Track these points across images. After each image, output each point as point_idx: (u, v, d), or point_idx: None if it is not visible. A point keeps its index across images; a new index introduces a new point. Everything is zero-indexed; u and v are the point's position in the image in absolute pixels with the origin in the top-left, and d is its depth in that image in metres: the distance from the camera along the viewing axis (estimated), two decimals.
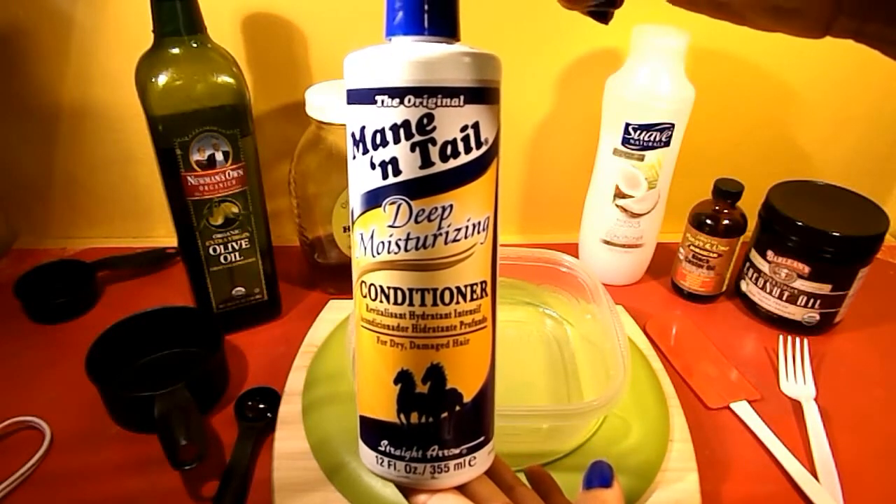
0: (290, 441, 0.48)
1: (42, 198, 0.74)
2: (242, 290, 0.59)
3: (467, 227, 0.25)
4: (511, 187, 0.77)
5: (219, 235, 0.55)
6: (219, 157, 0.52)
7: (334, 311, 0.62)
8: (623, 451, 0.47)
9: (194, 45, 0.49)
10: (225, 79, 0.50)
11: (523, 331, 0.59)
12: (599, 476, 0.29)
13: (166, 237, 0.75)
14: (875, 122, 0.76)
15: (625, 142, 0.62)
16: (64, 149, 0.70)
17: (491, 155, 0.25)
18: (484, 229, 0.25)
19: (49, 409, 0.51)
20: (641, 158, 0.62)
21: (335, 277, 0.67)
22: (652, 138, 0.61)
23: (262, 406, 0.52)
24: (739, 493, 0.47)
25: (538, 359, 0.56)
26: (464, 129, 0.24)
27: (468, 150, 0.24)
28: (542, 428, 0.46)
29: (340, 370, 0.52)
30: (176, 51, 0.48)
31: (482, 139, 0.24)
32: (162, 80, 0.48)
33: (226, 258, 0.57)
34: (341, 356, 0.53)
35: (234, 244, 0.56)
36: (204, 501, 0.45)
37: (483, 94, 0.24)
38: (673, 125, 0.60)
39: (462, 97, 0.23)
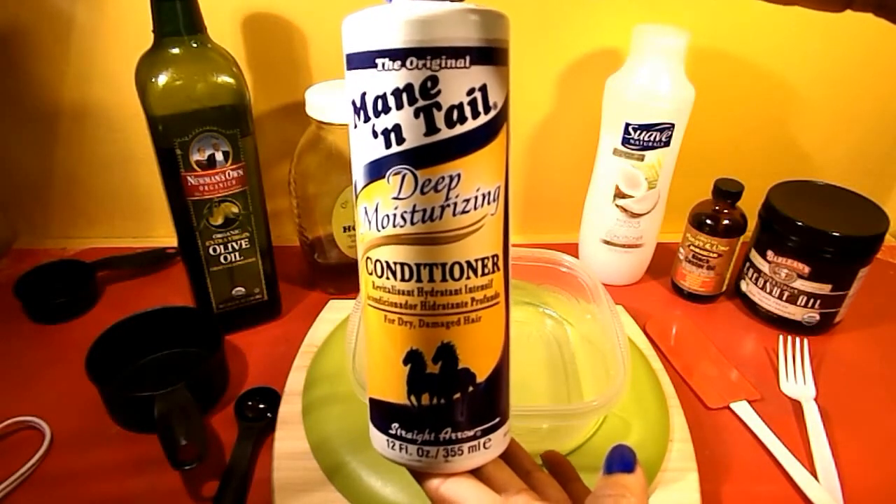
0: (290, 441, 0.48)
1: (42, 198, 0.74)
2: (242, 290, 0.59)
3: (477, 198, 0.23)
4: (511, 187, 0.76)
5: (219, 235, 0.55)
6: (219, 157, 0.51)
7: (334, 311, 0.62)
8: None
9: (194, 45, 0.49)
10: (225, 79, 0.50)
11: (523, 331, 0.59)
12: (621, 460, 0.28)
13: (166, 237, 0.75)
14: (875, 122, 0.76)
15: (625, 142, 0.62)
16: (64, 149, 0.70)
17: (500, 120, 0.24)
18: (494, 199, 0.24)
19: (49, 409, 0.51)
20: (641, 158, 0.62)
21: (335, 277, 0.67)
22: (652, 138, 0.61)
23: (262, 406, 0.52)
24: (739, 493, 0.47)
25: (538, 359, 0.56)
26: (471, 92, 0.22)
27: (476, 114, 0.23)
28: (542, 428, 0.46)
29: (340, 370, 0.52)
30: (176, 51, 0.48)
31: (491, 103, 0.23)
32: (162, 80, 0.48)
33: (226, 258, 0.57)
34: (341, 356, 0.53)
35: (234, 244, 0.56)
36: (204, 501, 0.45)
37: (491, 54, 0.23)
38: (673, 125, 0.60)
39: (468, 58, 0.22)
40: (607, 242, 0.68)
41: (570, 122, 0.72)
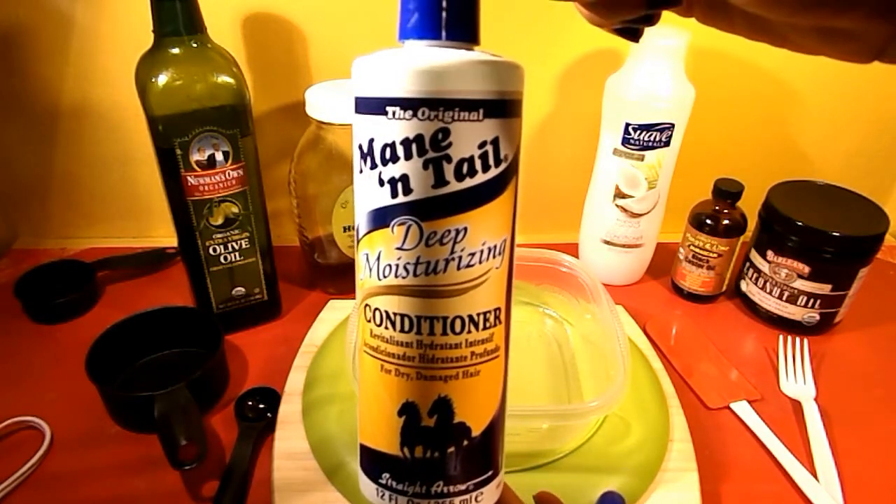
0: (290, 441, 0.48)
1: (42, 198, 0.74)
2: (242, 290, 0.59)
3: (482, 252, 0.23)
4: None
5: (219, 235, 0.55)
6: (219, 157, 0.51)
7: (334, 311, 0.62)
8: (623, 451, 0.47)
9: (194, 45, 0.49)
10: (225, 79, 0.50)
11: (523, 331, 0.59)
12: None
13: (166, 237, 0.75)
14: (875, 121, 0.76)
15: (625, 142, 0.62)
16: (64, 149, 0.70)
17: (510, 173, 0.23)
18: (500, 253, 0.23)
19: (49, 409, 0.51)
20: (641, 158, 0.62)
21: (335, 277, 0.67)
22: (652, 138, 0.60)
23: (262, 406, 0.52)
24: (739, 493, 0.47)
25: (538, 359, 0.56)
26: (482, 145, 0.22)
27: (486, 168, 0.22)
28: (541, 428, 0.46)
29: (340, 370, 0.52)
30: (176, 51, 0.48)
31: (501, 156, 0.22)
32: (162, 80, 0.48)
33: (226, 258, 0.57)
34: (341, 356, 0.53)
35: (234, 244, 0.56)
36: (204, 501, 0.45)
37: (504, 106, 0.22)
38: (673, 125, 0.60)
39: (482, 111, 0.21)
40: (607, 242, 0.68)
41: (570, 122, 0.72)
